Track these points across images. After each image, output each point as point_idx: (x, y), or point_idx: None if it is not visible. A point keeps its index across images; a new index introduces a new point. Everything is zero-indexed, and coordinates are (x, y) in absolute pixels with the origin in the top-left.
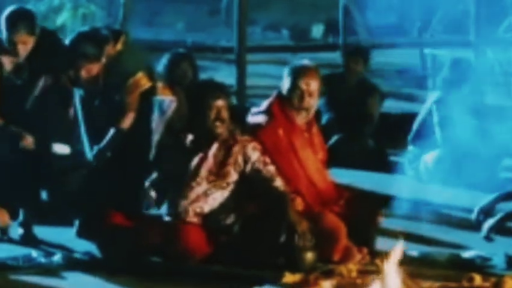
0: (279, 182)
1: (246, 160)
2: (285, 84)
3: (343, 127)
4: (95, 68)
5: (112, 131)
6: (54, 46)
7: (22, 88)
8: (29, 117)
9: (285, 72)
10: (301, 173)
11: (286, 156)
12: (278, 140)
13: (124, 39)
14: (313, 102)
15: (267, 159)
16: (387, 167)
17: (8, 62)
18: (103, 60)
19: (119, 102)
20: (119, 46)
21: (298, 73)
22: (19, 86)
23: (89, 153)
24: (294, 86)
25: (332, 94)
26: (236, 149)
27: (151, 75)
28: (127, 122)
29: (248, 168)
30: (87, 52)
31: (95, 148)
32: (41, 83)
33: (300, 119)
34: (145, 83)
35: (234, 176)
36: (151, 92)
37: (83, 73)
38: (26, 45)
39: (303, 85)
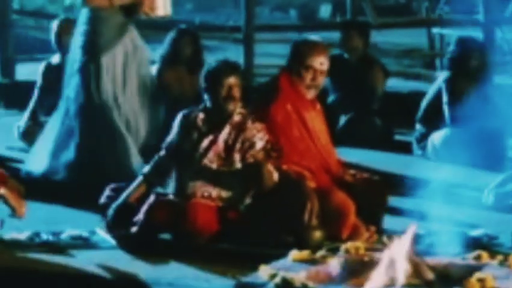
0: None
1: (250, 146)
2: (294, 61)
3: (349, 106)
4: None
5: None
6: None
7: None
8: None
9: (293, 48)
10: (312, 146)
11: (297, 130)
12: (288, 114)
13: None
14: (323, 80)
15: (273, 153)
16: (394, 146)
17: None
18: None
19: None
20: None
21: (310, 52)
22: None
23: None
24: (306, 65)
25: (334, 74)
26: (244, 135)
27: None
28: None
29: (248, 155)
30: None
31: None
32: None
33: (309, 95)
34: None
35: (239, 163)
36: None
37: None
38: None
39: (316, 65)
